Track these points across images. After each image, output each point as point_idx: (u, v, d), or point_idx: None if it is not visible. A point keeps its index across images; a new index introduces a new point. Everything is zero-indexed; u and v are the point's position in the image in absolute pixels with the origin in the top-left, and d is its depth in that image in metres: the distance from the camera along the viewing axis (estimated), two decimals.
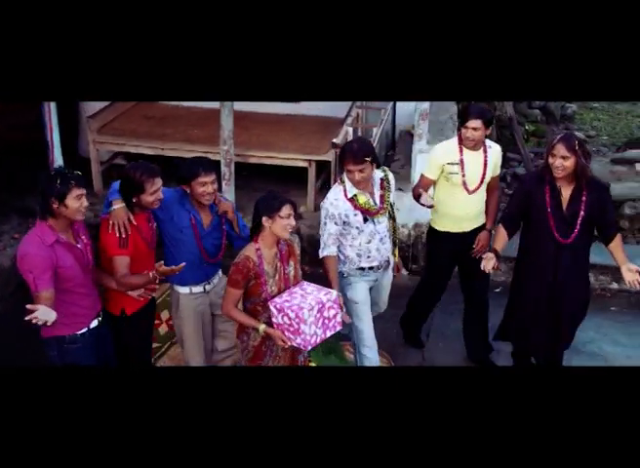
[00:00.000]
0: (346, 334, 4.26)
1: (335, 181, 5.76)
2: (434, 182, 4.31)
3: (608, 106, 10.20)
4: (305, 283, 3.56)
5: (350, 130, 5.80)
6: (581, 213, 3.78)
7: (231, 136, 5.47)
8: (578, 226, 3.80)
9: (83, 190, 3.21)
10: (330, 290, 3.53)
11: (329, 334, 3.49)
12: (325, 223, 3.82)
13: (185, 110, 6.80)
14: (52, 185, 3.14)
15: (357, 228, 3.83)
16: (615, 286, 5.60)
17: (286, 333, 3.39)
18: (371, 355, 4.07)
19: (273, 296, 3.42)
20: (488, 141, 4.26)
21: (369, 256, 3.91)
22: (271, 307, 3.39)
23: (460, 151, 4.19)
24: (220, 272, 3.95)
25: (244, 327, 3.52)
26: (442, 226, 4.38)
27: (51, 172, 3.27)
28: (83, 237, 3.38)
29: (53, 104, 5.42)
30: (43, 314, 2.95)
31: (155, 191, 3.48)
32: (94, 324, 3.46)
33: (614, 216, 4.13)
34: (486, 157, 4.21)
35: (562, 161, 3.67)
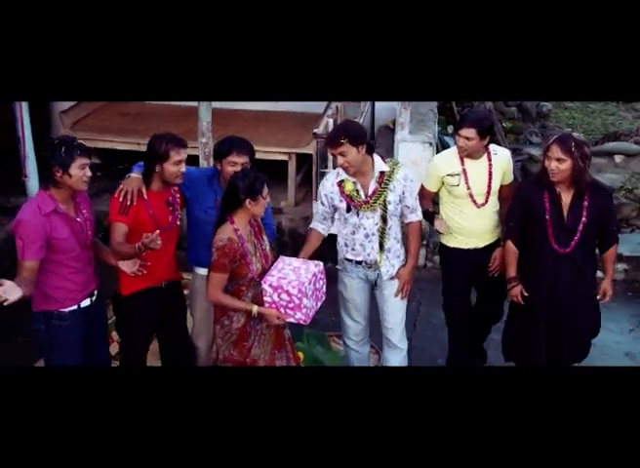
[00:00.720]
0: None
1: (316, 174, 5.74)
2: (435, 194, 4.01)
3: (582, 105, 10.28)
4: (285, 257, 3.50)
5: (331, 121, 5.72)
6: (583, 219, 3.49)
7: (210, 129, 5.37)
8: (578, 234, 3.51)
9: (87, 159, 3.14)
10: (317, 261, 3.48)
11: (319, 305, 3.47)
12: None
13: (161, 107, 6.69)
14: (56, 154, 3.07)
15: (342, 215, 3.73)
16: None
17: (282, 310, 3.32)
18: (356, 347, 3.98)
19: (258, 275, 3.34)
20: (493, 147, 3.89)
21: (353, 249, 3.75)
22: (265, 287, 3.29)
23: (462, 161, 3.83)
24: None
25: (224, 311, 3.39)
26: (452, 243, 4.01)
27: (55, 140, 3.17)
28: (84, 211, 3.30)
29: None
30: (7, 290, 2.80)
31: (179, 162, 3.35)
32: (85, 303, 3.34)
33: (615, 224, 3.74)
34: (490, 165, 3.83)
35: (557, 164, 3.41)
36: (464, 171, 3.82)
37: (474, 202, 3.85)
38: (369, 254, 3.72)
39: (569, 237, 3.52)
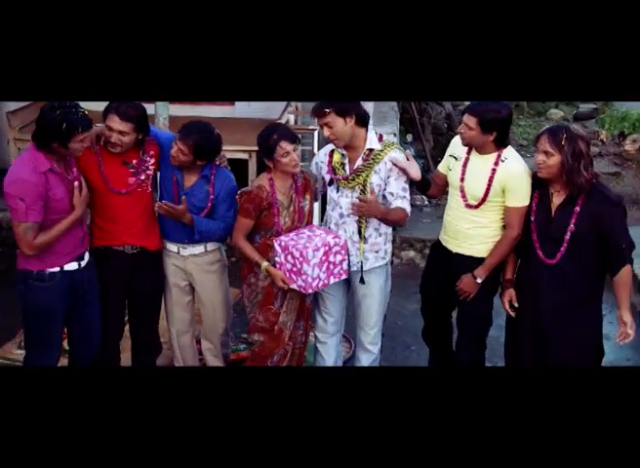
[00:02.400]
0: None
1: None
2: (444, 179, 3.56)
3: (535, 123, 10.45)
4: (315, 226, 3.40)
5: (292, 117, 5.62)
6: (571, 226, 3.06)
7: (167, 125, 5.18)
8: (565, 244, 3.07)
9: (88, 133, 2.98)
10: (338, 234, 3.32)
11: (332, 282, 3.30)
12: None
13: None
14: (55, 130, 2.89)
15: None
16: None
17: (287, 274, 3.20)
18: (324, 340, 3.70)
19: (285, 230, 3.27)
20: (509, 153, 3.34)
21: (330, 227, 3.51)
22: (275, 245, 3.22)
23: (469, 150, 3.42)
24: (207, 246, 3.59)
25: (251, 267, 3.34)
26: (441, 236, 3.63)
27: (55, 111, 2.92)
28: (74, 169, 3.14)
29: None
30: None
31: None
32: (70, 266, 3.17)
33: (624, 242, 3.08)
34: (494, 171, 3.31)
35: (544, 157, 3.03)
36: (467, 160, 3.40)
37: (463, 197, 3.39)
38: (342, 236, 3.45)
39: (555, 246, 3.10)
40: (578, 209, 3.04)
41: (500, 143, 3.32)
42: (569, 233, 3.05)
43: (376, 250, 3.48)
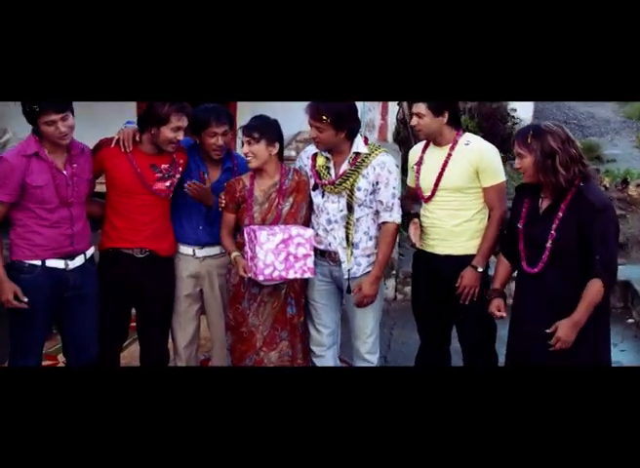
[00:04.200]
0: None
1: None
2: (418, 192, 3.43)
3: None
4: (296, 226, 3.26)
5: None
6: (552, 233, 2.80)
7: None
8: (547, 251, 2.81)
9: (54, 116, 2.89)
10: (307, 228, 3.21)
11: (292, 276, 3.13)
12: None
13: None
14: (25, 107, 2.90)
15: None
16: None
17: (248, 262, 3.11)
18: (321, 353, 3.47)
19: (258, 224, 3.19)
20: (469, 137, 3.33)
21: (317, 235, 3.34)
22: (245, 233, 3.15)
23: (424, 149, 3.39)
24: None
25: (230, 265, 3.34)
26: (422, 241, 3.46)
27: None
28: (75, 165, 3.07)
29: None
30: None
31: (178, 128, 3.17)
32: (54, 263, 3.05)
33: (600, 253, 2.76)
34: (449, 155, 3.26)
35: (519, 160, 2.86)
36: (421, 158, 3.37)
37: (421, 196, 3.35)
38: (330, 244, 3.31)
39: (538, 254, 2.86)
40: (560, 214, 2.81)
41: (457, 124, 3.31)
42: (550, 240, 2.81)
43: (367, 254, 3.34)
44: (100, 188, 3.44)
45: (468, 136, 3.34)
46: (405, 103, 6.68)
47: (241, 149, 3.32)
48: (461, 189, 3.27)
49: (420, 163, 3.38)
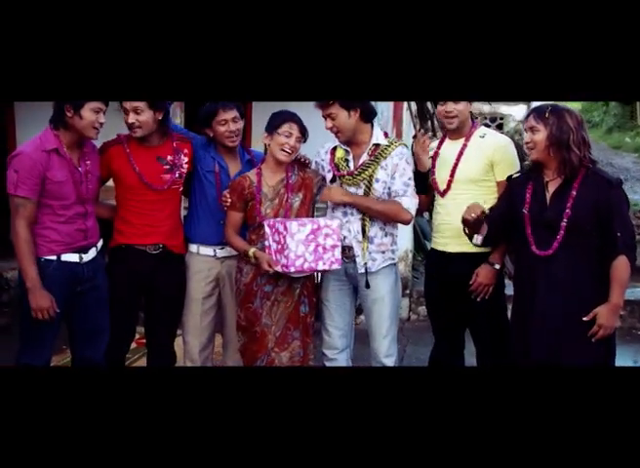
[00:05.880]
0: None
1: None
2: (434, 186, 3.39)
3: None
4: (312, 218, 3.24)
5: None
6: (567, 211, 2.75)
7: None
8: (562, 231, 2.76)
9: (103, 105, 2.93)
10: (333, 219, 3.14)
11: (321, 267, 3.05)
12: None
13: None
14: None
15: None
16: None
17: (273, 256, 3.04)
18: (333, 356, 3.38)
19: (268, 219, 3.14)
20: (485, 129, 3.33)
21: None
22: (265, 227, 3.08)
23: (440, 144, 3.37)
24: None
25: (240, 263, 3.27)
26: (433, 243, 3.43)
27: None
28: (89, 162, 3.07)
29: None
30: None
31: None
32: (69, 257, 3.01)
33: (621, 229, 2.74)
34: (464, 146, 3.24)
35: (531, 134, 2.85)
36: (435, 154, 3.33)
37: (437, 189, 3.29)
38: (345, 238, 3.24)
39: (551, 236, 2.80)
40: (574, 193, 2.78)
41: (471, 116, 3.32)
42: (565, 219, 2.76)
43: (383, 250, 3.26)
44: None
45: (484, 129, 3.34)
46: (420, 133, 6.77)
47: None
48: (476, 181, 3.24)
49: (435, 157, 3.35)
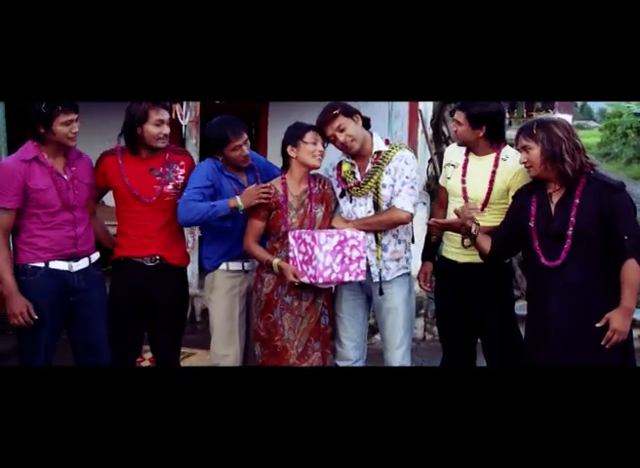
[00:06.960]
0: None
1: None
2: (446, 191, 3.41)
3: None
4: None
5: None
6: (572, 219, 2.78)
7: None
8: (569, 240, 2.78)
9: (73, 115, 2.99)
10: (357, 231, 3.15)
11: (347, 279, 3.07)
12: None
13: None
14: (36, 109, 2.93)
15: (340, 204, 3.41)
16: None
17: (299, 267, 3.06)
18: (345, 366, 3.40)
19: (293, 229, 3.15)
20: (507, 151, 3.25)
21: None
22: (290, 238, 3.10)
23: (467, 152, 3.33)
24: None
25: (261, 272, 3.25)
26: (444, 251, 3.43)
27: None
28: (74, 169, 3.10)
29: None
30: None
31: (161, 122, 3.18)
32: (57, 265, 3.04)
33: (627, 232, 2.75)
34: (494, 170, 3.21)
35: (525, 154, 2.86)
36: (465, 162, 3.29)
37: (465, 198, 3.25)
38: None
39: (558, 246, 2.81)
40: (577, 201, 2.79)
41: (493, 140, 3.24)
42: (571, 228, 2.77)
43: (397, 258, 3.29)
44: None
45: (507, 150, 3.28)
46: (435, 157, 6.79)
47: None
48: (489, 204, 3.24)
49: (465, 166, 3.31)
